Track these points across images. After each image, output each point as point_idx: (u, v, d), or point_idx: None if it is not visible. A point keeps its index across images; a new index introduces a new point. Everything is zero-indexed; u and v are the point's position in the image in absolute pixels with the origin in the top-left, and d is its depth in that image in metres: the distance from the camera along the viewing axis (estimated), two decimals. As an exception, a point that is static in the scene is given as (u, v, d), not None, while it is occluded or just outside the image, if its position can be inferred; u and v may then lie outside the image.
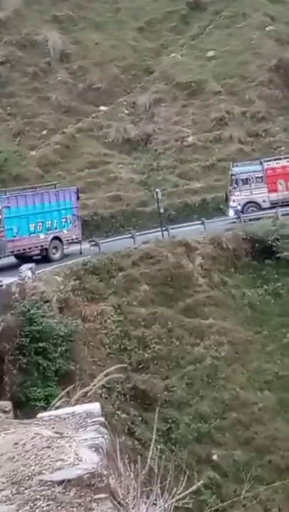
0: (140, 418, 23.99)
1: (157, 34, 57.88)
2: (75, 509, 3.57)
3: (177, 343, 28.64)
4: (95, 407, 6.09)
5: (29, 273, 24.90)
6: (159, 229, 36.36)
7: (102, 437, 4.81)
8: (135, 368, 26.48)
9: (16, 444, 4.73)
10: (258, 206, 39.45)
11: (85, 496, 3.69)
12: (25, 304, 21.43)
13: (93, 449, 4.46)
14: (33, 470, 4.10)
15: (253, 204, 39.44)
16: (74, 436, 4.83)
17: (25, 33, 54.57)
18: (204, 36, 57.08)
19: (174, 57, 54.86)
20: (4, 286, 22.42)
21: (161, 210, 37.27)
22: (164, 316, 29.55)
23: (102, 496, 3.75)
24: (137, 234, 35.94)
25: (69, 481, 3.82)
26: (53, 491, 3.75)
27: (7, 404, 7.01)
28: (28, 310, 21.00)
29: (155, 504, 4.22)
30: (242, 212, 38.82)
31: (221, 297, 32.00)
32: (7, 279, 23.51)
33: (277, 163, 40.14)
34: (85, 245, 34.97)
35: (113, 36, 56.79)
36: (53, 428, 5.28)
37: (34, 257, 31.78)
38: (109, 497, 3.78)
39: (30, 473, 4.05)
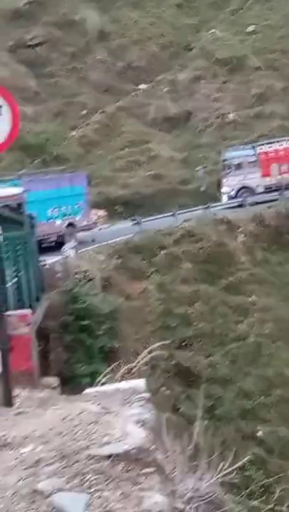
0: (184, 394, 24.09)
1: (196, 10, 57.07)
2: (123, 483, 3.62)
3: (220, 320, 28.57)
4: (140, 383, 6.14)
5: (72, 252, 25.12)
6: (201, 207, 36.19)
7: (148, 413, 4.86)
8: (178, 346, 26.54)
9: (64, 419, 4.82)
10: (251, 191, 38.53)
11: (132, 470, 3.74)
12: (69, 283, 21.65)
13: (140, 425, 4.50)
14: (81, 444, 4.17)
15: (247, 189, 38.54)
16: (120, 412, 4.88)
17: (64, 13, 54.48)
18: (244, 11, 56.05)
19: (213, 33, 54.07)
20: (48, 266, 22.65)
21: (203, 188, 37.16)
22: (207, 294, 29.50)
23: (150, 470, 3.79)
24: (179, 212, 35.84)
25: (117, 455, 3.88)
26: (101, 465, 3.81)
27: (54, 381, 7.13)
28: (72, 289, 21.20)
29: (202, 479, 4.26)
30: (235, 197, 38.03)
31: (263, 274, 31.76)
32: (50, 259, 23.76)
33: (269, 147, 39.13)
34: (127, 224, 35.05)
35: (151, 13, 56.24)
36: (100, 404, 5.35)
37: (47, 245, 28.93)
38: (157, 471, 3.81)
39: (78, 448, 4.11)
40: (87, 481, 3.65)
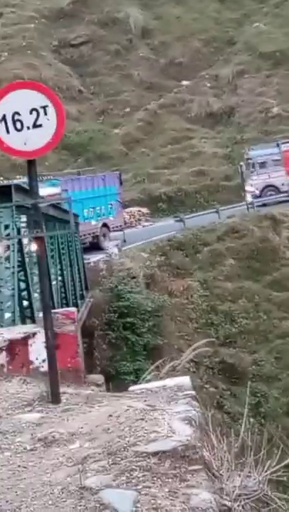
0: (229, 392, 24.01)
1: (239, 4, 56.60)
2: (170, 480, 3.62)
3: (265, 317, 28.36)
4: (186, 380, 6.14)
5: (116, 250, 25.25)
6: (244, 203, 35.94)
7: (194, 410, 4.85)
8: (223, 343, 26.46)
9: (110, 416, 4.84)
10: (276, 190, 37.86)
11: (179, 467, 3.74)
12: (113, 280, 21.80)
13: (186, 422, 4.50)
14: (128, 441, 4.19)
15: (272, 188, 37.90)
16: (166, 409, 4.89)
17: (107, 11, 54.70)
18: (288, 3, 55.32)
19: (257, 27, 53.56)
20: (92, 264, 22.83)
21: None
22: (251, 290, 29.31)
23: (197, 467, 3.78)
24: (222, 208, 35.67)
25: (164, 452, 3.88)
26: (148, 462, 3.82)
27: (99, 378, 7.17)
28: (116, 286, 21.35)
29: (249, 476, 4.24)
30: (260, 196, 37.36)
31: (309, 270, 31.37)
32: (94, 256, 23.94)
33: None
34: (170, 221, 35.04)
35: (194, 9, 56.00)
36: (145, 401, 5.37)
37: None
38: (204, 468, 3.81)
39: (125, 445, 4.13)
40: (134, 477, 3.67)
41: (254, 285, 29.65)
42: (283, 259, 31.53)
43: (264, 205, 35.82)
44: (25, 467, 4.14)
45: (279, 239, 32.32)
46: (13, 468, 4.14)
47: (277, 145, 38.63)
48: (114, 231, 32.19)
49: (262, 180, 37.91)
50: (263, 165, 38.01)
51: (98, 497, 3.52)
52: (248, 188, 38.08)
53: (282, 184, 37.87)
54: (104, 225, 30.99)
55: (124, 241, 30.80)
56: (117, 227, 32.43)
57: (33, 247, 8.65)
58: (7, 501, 3.70)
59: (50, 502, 3.60)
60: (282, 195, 37.18)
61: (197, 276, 29.31)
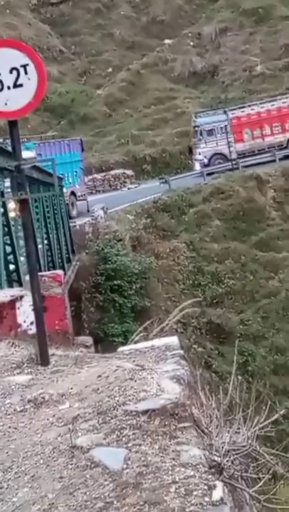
0: (216, 351, 24.27)
1: None
2: (160, 437, 3.65)
3: (251, 277, 28.53)
4: (174, 340, 6.16)
5: (101, 212, 25.14)
6: (230, 164, 35.79)
7: (183, 369, 4.88)
8: (210, 303, 26.64)
9: (100, 376, 4.86)
10: (224, 158, 37.08)
11: (169, 425, 3.77)
12: (99, 243, 21.75)
13: (175, 380, 4.52)
14: (118, 401, 4.21)
15: (220, 156, 37.13)
16: (155, 369, 4.91)
17: None
18: None
19: (239, -17, 52.63)
20: (78, 227, 22.75)
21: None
22: (237, 251, 29.41)
23: (186, 424, 3.82)
24: (207, 170, 35.52)
25: (153, 410, 3.91)
26: (138, 420, 3.85)
27: (88, 340, 7.19)
28: (102, 249, 21.31)
29: (238, 432, 4.28)
30: (208, 164, 36.63)
31: (294, 230, 31.48)
32: (80, 219, 23.83)
33: (242, 112, 37.68)
34: (155, 183, 34.89)
35: None
36: (134, 361, 5.39)
37: None
38: (193, 426, 3.84)
39: (115, 404, 4.15)
40: (124, 436, 3.70)
41: (240, 246, 29.75)
42: (269, 219, 31.60)
43: (212, 173, 35.08)
44: (15, 428, 4.16)
45: (264, 199, 32.32)
46: (3, 430, 4.16)
47: (225, 112, 37.75)
48: (79, 200, 30.76)
49: (210, 148, 37.05)
50: (210, 132, 37.09)
51: (89, 455, 3.54)
52: (196, 156, 37.31)
53: (230, 152, 37.10)
54: (72, 193, 29.73)
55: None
56: (80, 196, 31.09)
57: (12, 209, 8.58)
58: (-2, 462, 3.72)
59: (41, 461, 3.63)
60: (230, 163, 36.34)
61: (183, 237, 29.33)
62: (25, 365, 5.49)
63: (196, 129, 37.70)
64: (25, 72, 5.65)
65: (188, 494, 3.04)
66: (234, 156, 36.98)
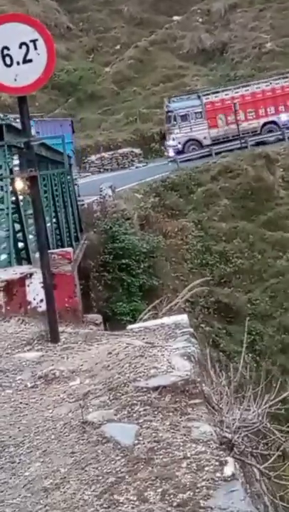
0: (224, 331, 24.31)
1: None
2: (171, 414, 3.66)
3: (259, 256, 28.47)
4: (183, 318, 6.17)
5: (109, 191, 25.08)
6: (238, 142, 35.55)
7: (193, 346, 4.88)
8: (218, 283, 26.63)
9: (110, 353, 4.87)
10: (198, 144, 36.07)
11: (180, 401, 3.78)
12: (107, 222, 21.72)
13: (185, 357, 4.53)
14: (128, 377, 4.22)
15: (194, 142, 36.07)
16: (165, 346, 4.92)
17: None
18: None
19: None
20: (86, 205, 22.70)
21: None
22: (245, 230, 29.32)
23: (197, 401, 3.82)
24: (215, 148, 35.31)
25: (164, 387, 3.92)
26: (149, 396, 3.86)
27: (98, 317, 7.21)
28: (110, 228, 21.29)
29: (248, 410, 4.29)
30: (182, 151, 35.52)
31: (303, 209, 31.33)
32: (88, 198, 23.78)
33: (216, 97, 36.70)
34: (163, 162, 34.77)
35: None
36: (144, 338, 5.40)
37: None
38: (204, 402, 3.85)
39: (125, 381, 4.16)
40: (135, 412, 3.71)
41: (248, 225, 29.65)
42: (278, 198, 31.44)
43: (187, 160, 34.27)
44: (26, 404, 4.18)
45: (273, 178, 32.13)
46: (14, 405, 4.18)
47: (199, 97, 36.81)
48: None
49: (184, 134, 35.96)
50: (184, 118, 36.04)
51: (100, 431, 3.56)
52: (170, 142, 36.32)
53: (205, 138, 36.17)
54: None
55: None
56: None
57: (20, 189, 8.51)
58: (10, 437, 3.74)
59: (52, 437, 3.65)
60: (204, 150, 35.63)
61: (191, 216, 29.25)
62: (36, 342, 5.51)
63: (170, 114, 36.57)
64: (35, 48, 5.59)
65: (200, 470, 3.05)
66: (208, 142, 36.00)
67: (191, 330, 5.61)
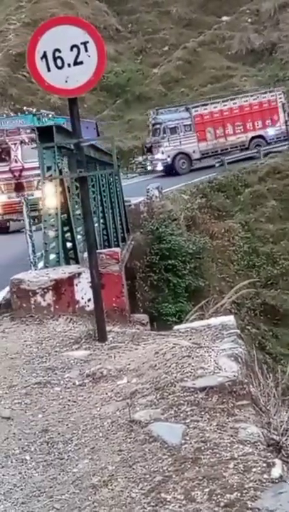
0: (270, 333, 24.07)
1: None
2: (218, 414, 3.66)
3: (307, 258, 28.09)
4: (230, 319, 6.15)
5: (156, 192, 25.10)
6: (287, 143, 35.17)
7: (240, 347, 4.87)
8: (264, 284, 26.38)
9: (157, 353, 4.90)
10: (187, 157, 34.76)
11: (227, 402, 3.78)
12: (154, 223, 21.73)
13: (232, 358, 4.52)
14: (175, 377, 4.24)
15: (183, 155, 34.70)
16: (212, 347, 4.92)
17: None
18: None
19: None
20: (133, 206, 22.75)
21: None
22: (293, 232, 28.99)
23: (244, 402, 3.82)
24: (264, 149, 35.01)
25: (211, 388, 3.92)
26: (196, 396, 3.87)
27: (144, 317, 7.23)
28: (157, 228, 21.28)
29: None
30: (172, 164, 34.19)
31: None
32: (135, 199, 23.84)
33: (204, 109, 35.44)
34: (210, 162, 34.64)
35: None
36: (191, 339, 5.40)
37: None
38: (251, 404, 3.84)
39: (172, 380, 4.18)
40: (182, 412, 3.72)
41: (296, 226, 29.31)
42: None
43: (176, 173, 33.46)
44: (74, 401, 4.24)
45: None
46: (63, 403, 4.25)
47: (187, 109, 35.64)
48: None
49: (173, 147, 34.52)
50: (173, 130, 34.62)
51: (147, 430, 3.58)
52: (158, 155, 35.00)
53: (194, 151, 34.97)
54: None
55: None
56: None
57: (51, 193, 8.54)
58: (59, 433, 3.80)
59: (100, 434, 3.69)
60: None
61: (238, 218, 29.07)
62: (84, 340, 5.58)
63: (158, 126, 35.21)
64: (86, 50, 5.67)
65: (247, 471, 3.05)
66: (197, 156, 35.09)
67: (238, 331, 5.59)
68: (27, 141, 21.34)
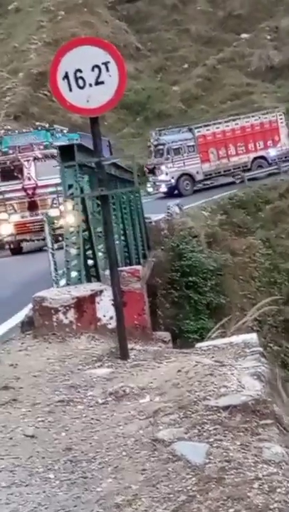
0: (293, 350, 23.87)
1: None
2: (241, 433, 3.64)
3: None
4: (253, 337, 6.12)
5: (177, 209, 25.14)
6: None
7: (263, 366, 4.85)
8: (286, 301, 26.19)
9: (179, 371, 4.88)
10: (191, 178, 34.37)
11: (250, 421, 3.75)
12: (175, 240, 21.74)
13: (255, 377, 4.50)
14: (198, 396, 4.22)
15: (187, 176, 34.29)
16: (235, 365, 4.90)
17: None
18: None
19: None
20: (153, 223, 22.79)
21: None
22: (315, 248, 28.83)
23: (268, 421, 3.79)
24: (284, 166, 34.95)
25: (234, 406, 3.90)
26: (219, 415, 3.85)
27: (166, 335, 7.22)
28: (178, 245, 21.29)
29: None
30: (176, 186, 33.76)
31: None
32: (155, 216, 23.89)
33: (207, 130, 35.18)
34: (230, 179, 34.67)
35: None
36: (213, 357, 5.38)
37: None
38: (275, 423, 3.81)
39: (195, 399, 4.17)
40: (205, 431, 3.71)
41: None
42: None
43: (179, 194, 32.87)
44: (98, 420, 4.24)
45: None
46: (86, 421, 4.25)
47: (190, 130, 35.39)
48: None
49: (177, 168, 34.13)
50: (177, 151, 34.33)
51: (171, 449, 3.57)
52: (162, 176, 34.51)
53: (197, 172, 34.64)
54: None
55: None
56: None
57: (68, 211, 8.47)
58: (82, 452, 3.80)
59: (124, 453, 3.68)
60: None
61: (259, 234, 29.00)
62: (106, 358, 5.58)
63: (161, 147, 34.90)
64: (107, 70, 5.74)
65: (272, 491, 3.02)
66: (201, 177, 34.82)
67: (261, 349, 5.56)
68: (40, 157, 20.78)
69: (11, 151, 21.14)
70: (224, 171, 35.21)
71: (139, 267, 7.42)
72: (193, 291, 20.82)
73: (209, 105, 45.28)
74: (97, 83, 5.75)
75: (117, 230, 13.71)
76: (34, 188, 20.87)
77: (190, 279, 20.89)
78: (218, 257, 23.48)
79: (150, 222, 22.23)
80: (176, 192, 33.54)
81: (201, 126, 35.66)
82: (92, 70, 5.75)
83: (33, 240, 21.35)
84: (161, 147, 34.87)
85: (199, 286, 21.08)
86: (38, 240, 20.65)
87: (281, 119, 36.70)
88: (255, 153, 35.82)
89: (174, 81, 47.81)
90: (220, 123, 35.94)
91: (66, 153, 8.77)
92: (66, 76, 5.71)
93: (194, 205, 28.80)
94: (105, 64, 5.73)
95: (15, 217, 21.03)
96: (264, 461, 3.33)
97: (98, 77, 5.76)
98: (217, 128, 35.55)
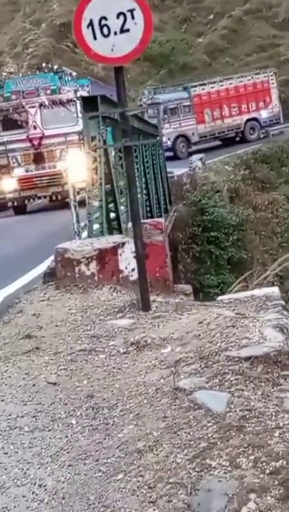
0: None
1: None
2: (262, 384, 3.66)
3: None
4: (274, 290, 6.11)
5: (199, 163, 24.92)
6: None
7: (285, 318, 4.85)
8: (308, 258, 26.07)
9: (201, 323, 4.91)
10: (187, 140, 32.90)
11: (272, 372, 3.77)
12: (197, 194, 21.59)
13: (277, 329, 4.51)
14: (220, 347, 4.24)
15: (183, 138, 32.82)
16: (256, 317, 4.90)
17: None
18: None
19: None
20: (175, 178, 22.64)
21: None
22: None
23: (290, 372, 3.80)
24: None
25: (256, 357, 3.91)
26: (241, 366, 3.87)
27: (188, 288, 7.24)
28: (200, 200, 21.16)
29: None
30: (172, 148, 31.96)
31: None
32: (178, 170, 23.71)
33: (202, 89, 33.62)
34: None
35: None
36: (234, 309, 5.40)
37: None
38: (297, 374, 3.82)
39: (216, 350, 4.19)
40: (227, 380, 3.73)
41: None
42: None
43: (175, 157, 31.16)
44: (119, 369, 4.29)
45: None
46: (108, 370, 4.30)
47: (185, 89, 34.01)
48: None
49: (174, 129, 32.57)
50: (174, 111, 32.85)
51: (192, 397, 3.60)
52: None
53: (193, 134, 33.26)
54: None
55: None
56: None
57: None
58: (104, 399, 3.86)
59: (145, 401, 3.73)
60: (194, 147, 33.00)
61: (283, 189, 28.69)
62: (127, 309, 5.62)
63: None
64: (132, 17, 5.61)
65: (293, 440, 3.04)
66: (196, 138, 33.45)
67: (283, 302, 5.56)
68: (47, 103, 18.73)
69: (14, 97, 18.97)
70: (218, 133, 34.12)
71: (161, 220, 7.40)
72: (215, 246, 20.76)
73: (234, 58, 44.34)
74: (122, 31, 5.63)
75: (139, 184, 13.64)
76: (40, 138, 18.78)
77: (211, 234, 20.81)
78: (240, 212, 23.33)
79: (172, 177, 22.09)
80: (171, 154, 31.30)
81: (196, 86, 34.30)
82: (118, 17, 5.63)
83: (40, 197, 19.51)
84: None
85: (221, 241, 21.00)
86: (44, 196, 19.26)
87: (272, 79, 35.60)
88: (248, 115, 34.67)
89: (198, 33, 46.77)
90: (214, 82, 34.62)
91: (89, 104, 8.69)
92: (91, 24, 5.59)
93: (217, 160, 28.50)
94: (131, 11, 5.60)
95: (19, 170, 18.90)
96: (285, 410, 3.35)
97: (123, 24, 5.64)
98: (212, 87, 34.22)
